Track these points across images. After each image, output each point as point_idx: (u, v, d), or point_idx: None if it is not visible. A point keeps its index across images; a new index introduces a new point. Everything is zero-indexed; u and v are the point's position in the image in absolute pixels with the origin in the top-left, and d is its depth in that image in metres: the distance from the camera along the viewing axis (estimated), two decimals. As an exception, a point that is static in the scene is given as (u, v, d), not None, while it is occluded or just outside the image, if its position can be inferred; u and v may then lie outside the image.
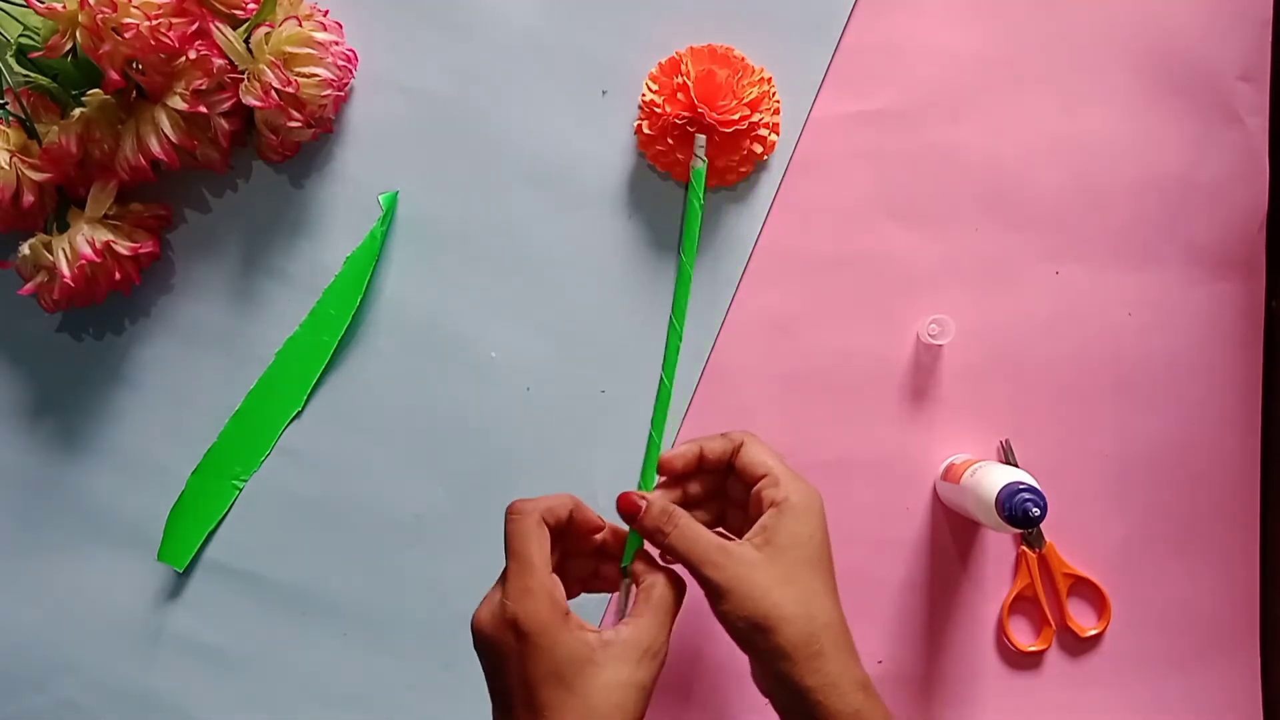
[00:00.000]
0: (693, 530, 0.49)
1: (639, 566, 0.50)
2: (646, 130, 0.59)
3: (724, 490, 0.53)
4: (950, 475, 0.59)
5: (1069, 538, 0.61)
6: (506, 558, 0.47)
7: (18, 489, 0.63)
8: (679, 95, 0.58)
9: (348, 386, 0.62)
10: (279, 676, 0.62)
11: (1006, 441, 0.61)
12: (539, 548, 0.47)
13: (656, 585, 0.49)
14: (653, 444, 0.56)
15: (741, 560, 0.47)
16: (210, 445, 0.62)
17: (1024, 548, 0.61)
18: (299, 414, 0.62)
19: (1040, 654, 0.62)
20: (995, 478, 0.53)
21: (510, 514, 0.48)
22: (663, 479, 0.52)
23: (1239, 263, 0.62)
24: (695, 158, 0.57)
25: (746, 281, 0.62)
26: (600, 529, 0.52)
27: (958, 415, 0.61)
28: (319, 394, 0.62)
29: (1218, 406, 0.62)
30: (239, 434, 0.62)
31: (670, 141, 0.59)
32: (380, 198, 0.61)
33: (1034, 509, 0.51)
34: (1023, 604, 0.62)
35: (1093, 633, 0.61)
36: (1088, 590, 0.62)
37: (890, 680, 0.61)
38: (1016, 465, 0.61)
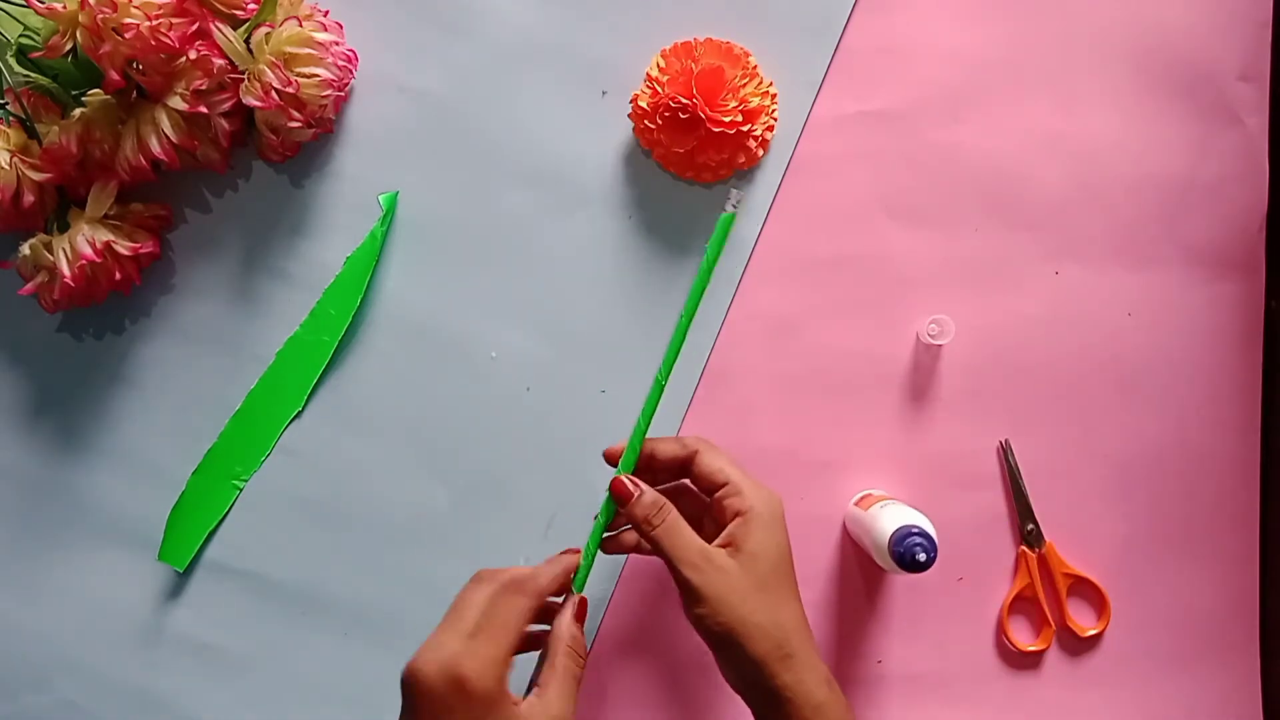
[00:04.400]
0: (679, 528, 0.50)
1: (550, 636, 0.50)
2: (641, 104, 0.59)
3: (676, 493, 0.54)
4: (862, 504, 0.59)
5: (1069, 538, 0.61)
6: (463, 611, 0.47)
7: (18, 489, 0.63)
8: (681, 79, 0.58)
9: (348, 386, 0.62)
10: (279, 676, 0.62)
11: (1006, 441, 0.61)
12: (518, 631, 0.47)
13: (558, 655, 0.48)
14: (638, 431, 0.55)
15: (720, 568, 0.49)
16: (210, 445, 0.62)
17: (1024, 548, 0.61)
18: (299, 414, 0.62)
19: (1040, 654, 0.62)
20: (894, 518, 0.54)
21: (508, 589, 0.48)
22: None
23: (1239, 263, 0.62)
24: (728, 202, 0.54)
25: (746, 281, 0.62)
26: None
27: (958, 415, 0.62)
28: (319, 394, 0.62)
29: (1218, 406, 0.62)
30: (239, 434, 0.62)
31: (659, 121, 0.58)
32: (380, 198, 0.61)
33: (921, 554, 0.52)
34: (1022, 604, 0.62)
35: (1092, 633, 0.61)
36: (1087, 590, 0.62)
37: (890, 680, 0.61)
38: (1016, 465, 0.61)
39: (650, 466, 0.54)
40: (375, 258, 0.61)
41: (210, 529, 0.62)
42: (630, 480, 0.52)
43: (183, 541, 0.62)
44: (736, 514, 0.51)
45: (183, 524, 0.62)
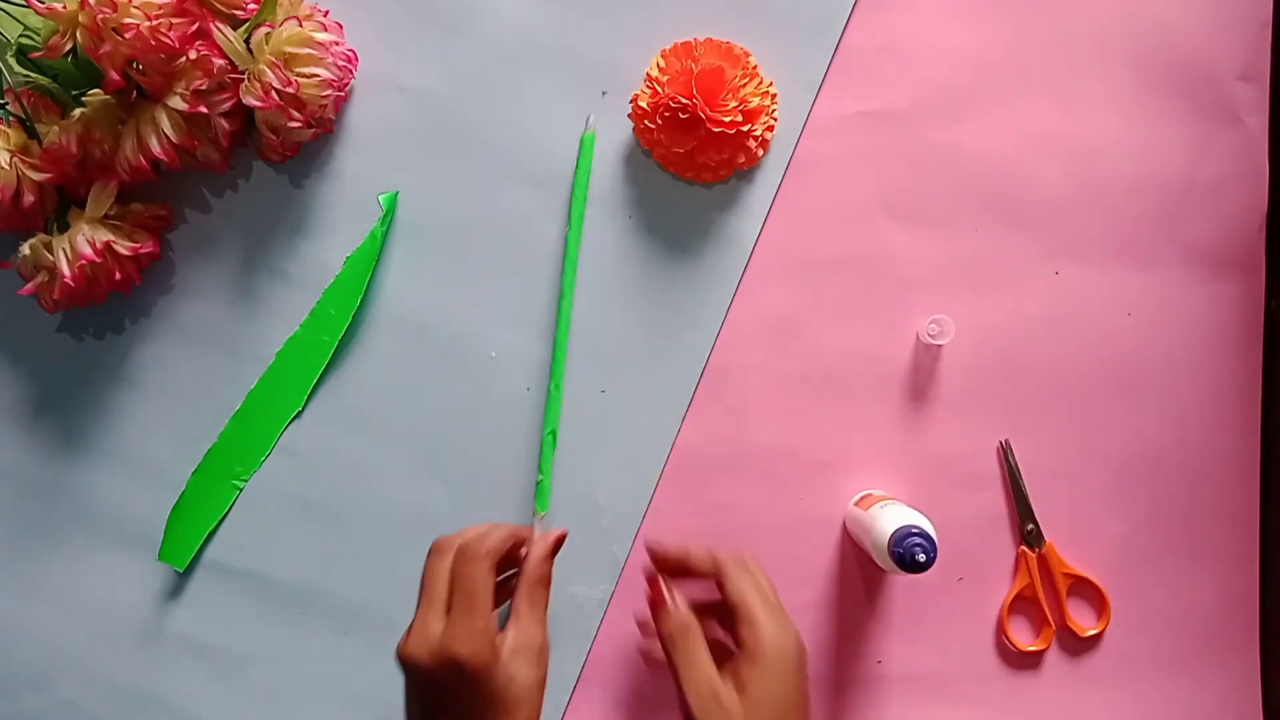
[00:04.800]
0: (696, 656, 0.51)
1: (520, 573, 0.53)
2: (641, 104, 0.59)
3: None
4: (861, 504, 0.59)
5: (1069, 538, 0.61)
6: (433, 589, 0.50)
7: (18, 489, 0.63)
8: (681, 79, 0.58)
9: (348, 386, 0.62)
10: (279, 676, 0.62)
11: (1006, 441, 0.61)
12: (487, 594, 0.50)
13: (525, 588, 0.52)
14: (552, 399, 0.59)
15: (726, 710, 0.49)
16: (210, 445, 0.62)
17: (1024, 548, 0.61)
18: (299, 414, 0.62)
19: (1040, 654, 0.62)
20: (894, 518, 0.54)
21: (464, 559, 0.51)
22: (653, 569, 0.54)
23: (1239, 263, 0.62)
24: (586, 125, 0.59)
25: (746, 281, 0.62)
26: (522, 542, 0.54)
27: (958, 415, 0.62)
28: (319, 394, 0.62)
29: (1217, 406, 0.62)
30: (239, 434, 0.62)
31: (659, 121, 0.58)
32: (380, 198, 0.61)
33: (921, 554, 0.52)
34: (1022, 604, 0.62)
35: (1092, 633, 0.61)
36: (1087, 590, 0.62)
37: (890, 680, 0.61)
38: (1016, 465, 0.61)
39: (685, 572, 0.54)
40: (375, 258, 0.61)
41: (210, 529, 0.62)
42: (668, 590, 0.52)
43: (183, 541, 0.62)
44: (744, 648, 0.50)
45: (183, 524, 0.62)
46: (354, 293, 0.61)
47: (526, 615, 0.51)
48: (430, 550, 0.52)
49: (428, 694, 0.49)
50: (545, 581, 0.53)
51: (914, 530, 0.53)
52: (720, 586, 0.53)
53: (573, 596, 0.61)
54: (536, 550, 0.53)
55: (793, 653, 0.51)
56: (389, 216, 0.61)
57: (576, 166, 0.60)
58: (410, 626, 0.50)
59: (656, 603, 0.52)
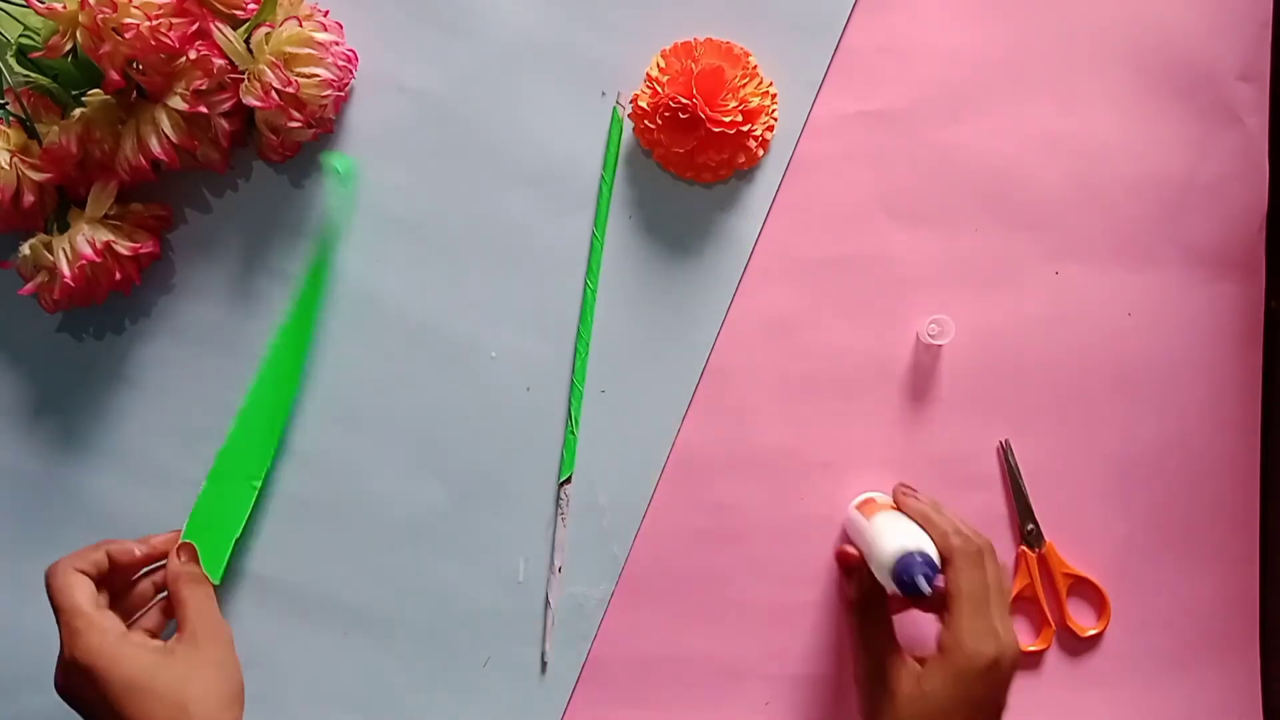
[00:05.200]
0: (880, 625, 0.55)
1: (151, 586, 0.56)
2: (641, 104, 0.59)
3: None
4: (863, 509, 0.58)
5: (1069, 538, 0.61)
6: (56, 619, 0.51)
7: (18, 489, 0.63)
8: (681, 79, 0.58)
9: (348, 386, 0.62)
10: (279, 676, 0.62)
11: (1006, 441, 0.61)
12: (81, 593, 0.51)
13: (179, 587, 0.54)
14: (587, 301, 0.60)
15: (889, 694, 0.52)
16: (218, 448, 0.61)
17: (1024, 548, 0.61)
18: (299, 404, 0.62)
19: (1040, 654, 0.62)
20: (895, 535, 0.53)
21: (46, 577, 0.52)
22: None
23: (1239, 263, 0.62)
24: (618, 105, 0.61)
25: (746, 281, 0.62)
26: (139, 557, 0.56)
27: (958, 415, 0.62)
28: (319, 394, 0.62)
29: (1218, 406, 0.62)
30: (246, 433, 0.61)
31: (659, 121, 0.58)
32: (334, 162, 0.60)
33: (925, 583, 0.50)
34: (1022, 604, 0.62)
35: (1092, 633, 0.61)
36: (1087, 590, 0.62)
37: (890, 680, 0.61)
38: (1016, 465, 0.61)
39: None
40: (339, 229, 0.61)
41: (236, 535, 0.60)
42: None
43: (212, 553, 0.59)
44: (939, 643, 0.52)
45: (207, 536, 0.59)
46: (323, 266, 0.61)
47: (186, 605, 0.53)
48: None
49: (80, 711, 0.50)
50: (189, 577, 0.54)
51: (919, 558, 0.51)
52: (943, 571, 0.52)
53: (572, 596, 0.61)
54: (172, 557, 0.56)
55: (983, 664, 0.50)
56: (348, 178, 0.61)
57: (606, 147, 0.60)
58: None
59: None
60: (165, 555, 0.56)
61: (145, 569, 0.57)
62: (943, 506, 0.56)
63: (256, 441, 0.61)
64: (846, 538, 0.61)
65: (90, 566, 0.53)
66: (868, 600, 0.55)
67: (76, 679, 0.48)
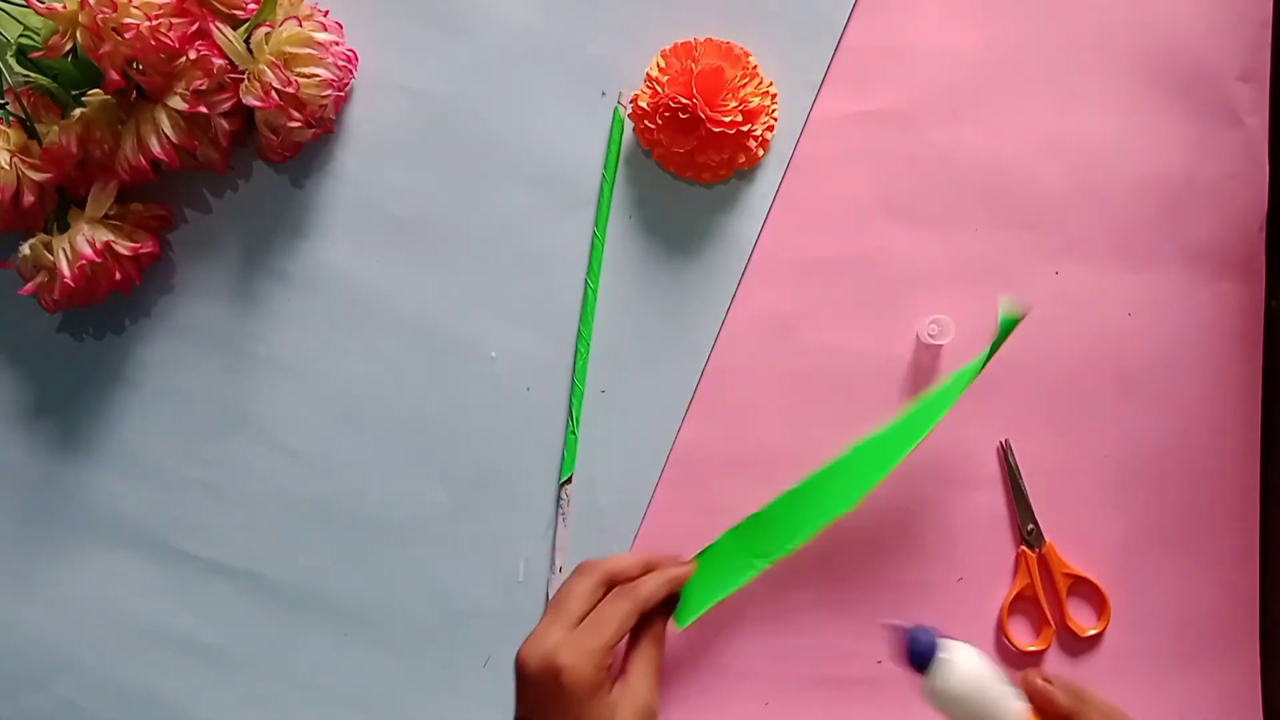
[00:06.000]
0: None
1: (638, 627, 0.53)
2: (641, 104, 0.59)
3: None
4: None
5: (1069, 538, 0.61)
6: (567, 603, 0.51)
7: (18, 489, 0.63)
8: (681, 79, 0.58)
9: (348, 386, 0.62)
10: (279, 676, 0.62)
11: (1006, 441, 0.61)
12: (619, 630, 0.51)
13: (643, 644, 0.53)
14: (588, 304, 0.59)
15: None
16: (752, 514, 0.58)
17: (1024, 548, 0.61)
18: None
19: (1040, 654, 0.62)
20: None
21: (619, 594, 0.52)
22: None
23: (1239, 263, 0.62)
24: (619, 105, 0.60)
25: (746, 281, 0.62)
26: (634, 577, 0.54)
27: (958, 415, 0.61)
28: (319, 394, 0.62)
29: (1218, 406, 0.62)
30: (782, 514, 0.57)
31: (659, 121, 0.58)
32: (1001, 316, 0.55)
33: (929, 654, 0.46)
34: (1022, 604, 0.62)
35: (1093, 633, 0.61)
36: (1087, 590, 0.62)
37: (890, 680, 0.61)
38: (1016, 465, 0.61)
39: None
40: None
41: (719, 599, 0.57)
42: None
43: (689, 603, 0.57)
44: None
45: (697, 585, 0.56)
46: (943, 408, 0.57)
47: (634, 670, 0.52)
48: (576, 569, 0.54)
49: (529, 700, 0.50)
50: (658, 640, 0.53)
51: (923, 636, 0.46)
52: None
53: (573, 596, 0.61)
54: (655, 609, 0.54)
55: None
56: (1005, 331, 0.56)
57: (607, 147, 0.60)
58: (532, 632, 0.51)
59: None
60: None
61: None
62: (1085, 692, 0.49)
63: (795, 521, 0.57)
64: (848, 538, 0.61)
65: (649, 604, 0.53)
66: None
67: (547, 677, 0.49)
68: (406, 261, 0.62)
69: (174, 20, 0.54)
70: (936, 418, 0.57)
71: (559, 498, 0.61)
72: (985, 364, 0.57)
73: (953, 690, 0.46)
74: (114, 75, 0.54)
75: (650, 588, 0.53)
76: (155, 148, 0.56)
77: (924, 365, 0.61)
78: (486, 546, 0.62)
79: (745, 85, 0.58)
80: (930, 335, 0.59)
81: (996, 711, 0.46)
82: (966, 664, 0.46)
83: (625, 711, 0.50)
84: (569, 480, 0.61)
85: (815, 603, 0.61)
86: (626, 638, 0.53)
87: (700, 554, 0.58)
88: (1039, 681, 0.47)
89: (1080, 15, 0.62)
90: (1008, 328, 0.56)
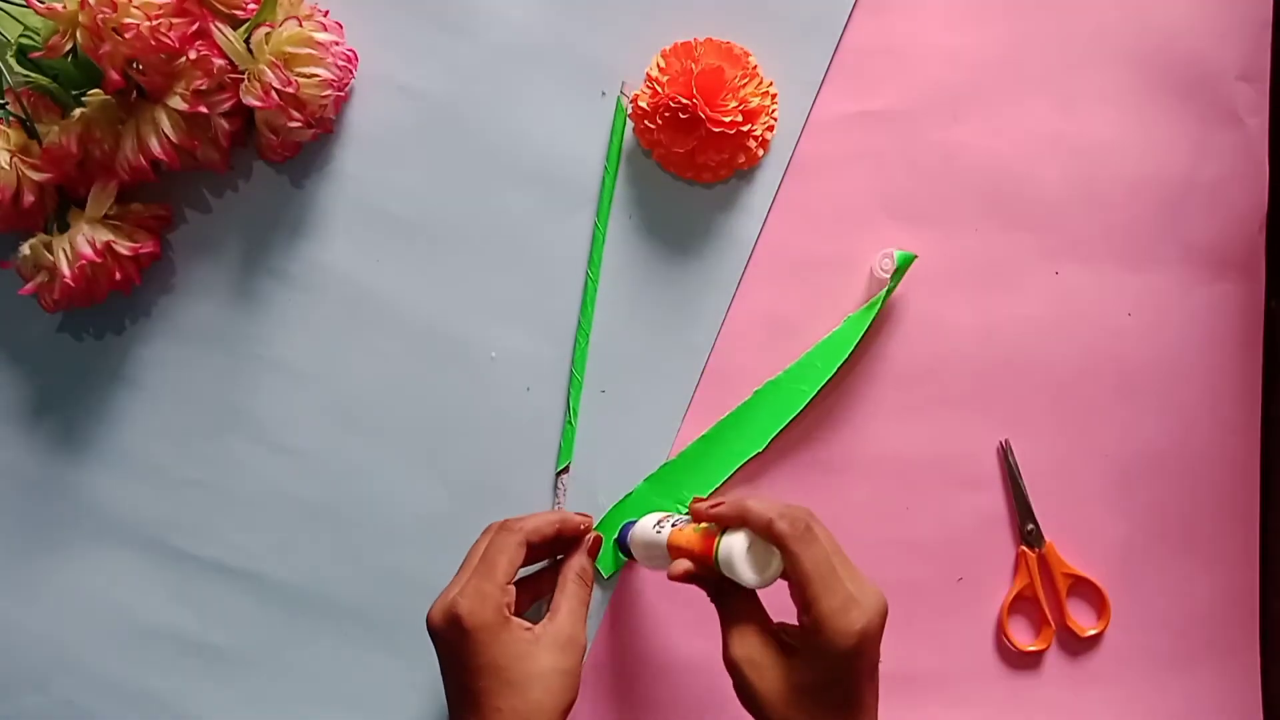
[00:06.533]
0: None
1: (561, 568, 0.55)
2: (641, 104, 0.59)
3: None
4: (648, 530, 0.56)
5: (1069, 538, 0.61)
6: (471, 559, 0.52)
7: (18, 489, 0.63)
8: (681, 79, 0.58)
9: (348, 386, 0.62)
10: (279, 676, 0.62)
11: (1006, 441, 0.61)
12: (508, 563, 0.51)
13: (567, 581, 0.53)
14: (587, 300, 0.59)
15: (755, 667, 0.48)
16: (664, 461, 0.61)
17: (1024, 548, 0.61)
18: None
19: (1040, 654, 0.62)
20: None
21: (499, 529, 0.53)
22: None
23: (1239, 263, 0.62)
24: (621, 95, 0.61)
25: (746, 281, 0.62)
26: (551, 537, 0.54)
27: (958, 415, 0.62)
28: (319, 394, 0.62)
29: (1218, 406, 0.62)
30: (697, 459, 0.61)
31: (659, 121, 0.58)
32: (895, 255, 0.59)
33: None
34: (1022, 604, 0.62)
35: (1092, 633, 0.61)
36: (1087, 590, 0.62)
37: (890, 680, 0.61)
38: (1016, 465, 0.61)
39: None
40: (869, 321, 0.59)
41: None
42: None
43: (610, 551, 0.60)
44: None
45: (611, 533, 0.60)
46: (844, 348, 0.59)
47: (560, 607, 0.52)
48: (485, 529, 0.54)
49: (445, 657, 0.51)
50: (584, 577, 0.54)
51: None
52: (783, 557, 0.49)
53: (573, 596, 0.61)
54: (580, 547, 0.55)
55: (854, 639, 0.47)
56: (899, 274, 0.59)
57: (609, 139, 0.60)
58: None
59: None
60: (569, 534, 0.55)
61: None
62: (749, 497, 0.53)
63: (708, 465, 0.60)
64: (849, 537, 0.61)
65: (539, 540, 0.53)
66: (721, 593, 0.51)
67: (451, 628, 0.49)
68: (406, 261, 0.62)
69: (174, 20, 0.54)
70: (839, 359, 0.60)
71: (555, 486, 0.61)
72: (881, 305, 0.59)
73: (634, 541, 0.56)
74: (114, 75, 0.54)
75: (535, 523, 0.53)
76: (155, 148, 0.56)
77: (924, 364, 0.61)
78: (486, 546, 0.62)
79: (745, 85, 0.58)
80: (883, 270, 0.59)
81: (659, 541, 0.53)
82: (640, 521, 0.56)
83: (548, 643, 0.49)
84: (565, 469, 0.61)
85: (815, 603, 0.61)
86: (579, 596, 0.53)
87: (620, 502, 0.60)
88: (700, 506, 0.52)
89: (1080, 15, 0.62)
90: (904, 265, 0.59)
